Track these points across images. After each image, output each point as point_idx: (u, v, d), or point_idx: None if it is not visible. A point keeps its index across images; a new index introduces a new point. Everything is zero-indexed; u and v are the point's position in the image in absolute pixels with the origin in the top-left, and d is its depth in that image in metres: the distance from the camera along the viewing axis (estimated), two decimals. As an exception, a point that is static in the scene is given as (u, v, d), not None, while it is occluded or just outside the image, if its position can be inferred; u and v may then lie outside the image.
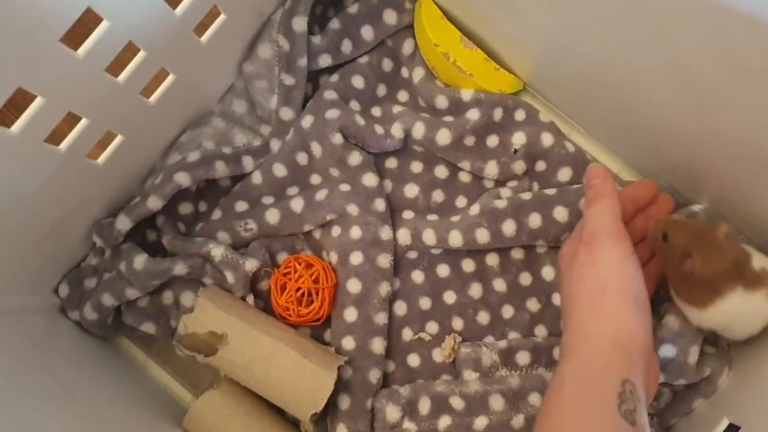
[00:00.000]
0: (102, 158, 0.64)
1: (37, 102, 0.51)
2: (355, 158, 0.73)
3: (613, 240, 0.55)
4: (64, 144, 0.58)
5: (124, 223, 0.69)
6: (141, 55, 0.58)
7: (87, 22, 0.50)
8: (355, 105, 0.77)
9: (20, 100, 0.51)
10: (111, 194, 0.70)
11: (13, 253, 0.62)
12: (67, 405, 0.57)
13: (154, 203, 0.68)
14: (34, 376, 0.58)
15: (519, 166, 0.74)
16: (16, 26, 0.45)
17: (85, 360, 0.69)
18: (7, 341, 0.60)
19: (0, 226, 0.58)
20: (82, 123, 0.58)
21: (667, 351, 0.63)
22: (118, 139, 0.64)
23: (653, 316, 0.59)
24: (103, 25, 0.52)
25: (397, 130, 0.74)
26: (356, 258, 0.71)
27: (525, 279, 0.74)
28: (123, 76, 0.58)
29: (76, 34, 0.50)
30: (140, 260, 0.68)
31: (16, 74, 0.47)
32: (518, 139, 0.74)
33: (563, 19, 0.62)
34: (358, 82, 0.76)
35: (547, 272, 0.74)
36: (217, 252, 0.69)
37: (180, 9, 0.59)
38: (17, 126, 0.51)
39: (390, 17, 0.77)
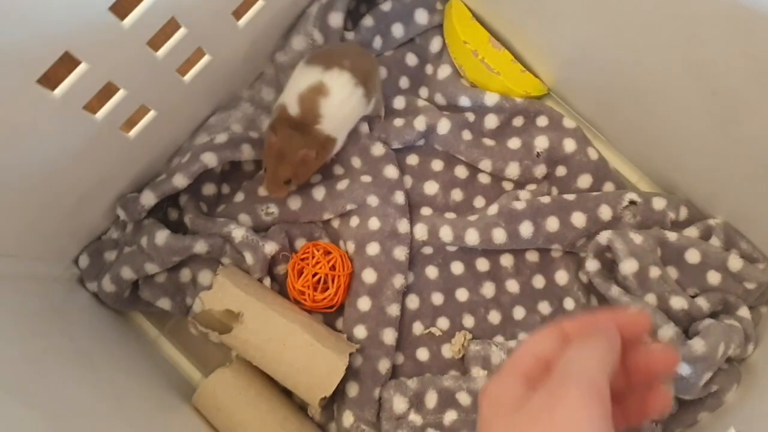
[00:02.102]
0: (133, 132, 0.66)
1: (81, 68, 0.53)
2: (378, 149, 0.75)
3: (587, 398, 0.36)
4: (101, 113, 0.59)
5: (148, 199, 0.70)
6: (181, 32, 0.60)
7: (135, -7, 0.52)
8: None
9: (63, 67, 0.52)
10: (137, 169, 0.71)
11: (40, 220, 0.64)
12: (86, 369, 0.59)
13: (180, 181, 0.70)
14: (54, 338, 0.59)
15: (540, 170, 0.75)
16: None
17: (101, 330, 0.70)
18: (30, 303, 0.62)
19: (33, 191, 0.60)
20: (120, 94, 0.59)
21: (683, 369, 0.63)
22: (150, 115, 0.66)
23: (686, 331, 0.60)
24: (150, -1, 0.53)
25: (420, 123, 0.75)
26: (373, 249, 0.72)
27: (538, 282, 0.75)
28: (162, 51, 0.60)
29: (123, 5, 0.51)
30: (162, 236, 0.69)
31: (64, 38, 0.49)
32: (541, 142, 0.75)
33: (592, 26, 0.63)
34: (381, 73, 0.78)
35: (561, 276, 0.74)
36: (238, 233, 0.70)
37: (223, -10, 0.61)
38: (60, 89, 0.53)
39: (421, 17, 0.78)
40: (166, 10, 0.56)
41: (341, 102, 0.68)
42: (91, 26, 0.50)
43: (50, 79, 0.51)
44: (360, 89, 0.69)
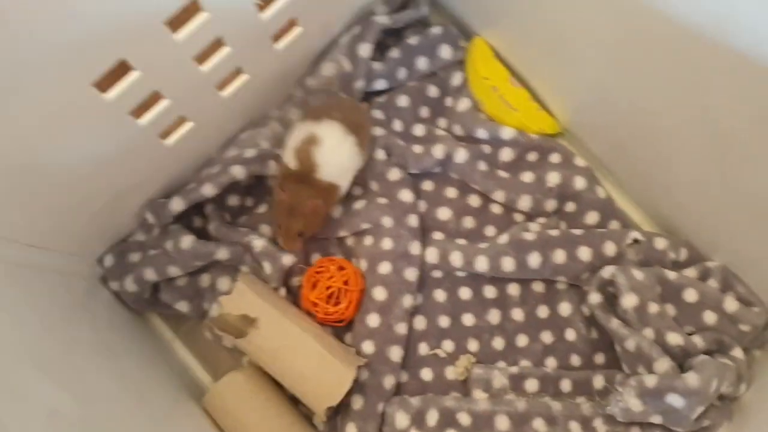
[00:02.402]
0: (170, 140, 0.69)
1: (133, 75, 0.57)
2: (394, 174, 0.78)
3: None
4: (143, 120, 0.63)
5: (177, 205, 0.73)
6: (225, 50, 0.64)
7: (190, 11, 0.56)
8: (397, 124, 0.82)
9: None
10: (168, 176, 0.75)
11: (72, 216, 0.67)
12: (110, 360, 0.61)
13: (209, 190, 0.73)
14: (82, 329, 0.62)
15: (551, 205, 0.79)
16: (130, 3, 0.50)
17: (120, 328, 0.73)
18: (58, 295, 0.65)
19: (70, 187, 0.63)
20: (163, 103, 0.63)
21: (675, 401, 0.65)
22: (187, 125, 0.70)
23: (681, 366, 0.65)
24: (202, 16, 0.57)
25: (438, 151, 0.79)
26: (385, 268, 0.75)
27: (542, 312, 0.78)
28: (206, 66, 0.64)
29: (178, 20, 0.55)
30: (187, 240, 0.73)
31: (122, 46, 0.53)
32: (553, 178, 0.79)
33: (608, 71, 0.67)
34: (402, 101, 0.82)
35: (564, 308, 0.77)
36: (259, 243, 0.73)
37: (267, 14, 0.65)
38: (111, 93, 0.56)
39: (445, 52, 0.82)
40: (214, 30, 0.60)
41: (333, 149, 0.71)
42: (147, 37, 0.54)
43: (99, 83, 0.55)
44: (351, 137, 0.72)
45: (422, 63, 0.82)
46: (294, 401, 0.74)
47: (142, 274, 0.74)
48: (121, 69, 0.55)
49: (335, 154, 0.71)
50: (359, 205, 0.78)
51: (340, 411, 0.73)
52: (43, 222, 0.64)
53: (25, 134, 0.53)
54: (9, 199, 0.57)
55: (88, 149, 0.61)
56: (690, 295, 0.72)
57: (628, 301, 0.70)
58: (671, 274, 0.72)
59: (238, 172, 0.74)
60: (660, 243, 0.75)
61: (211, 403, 0.71)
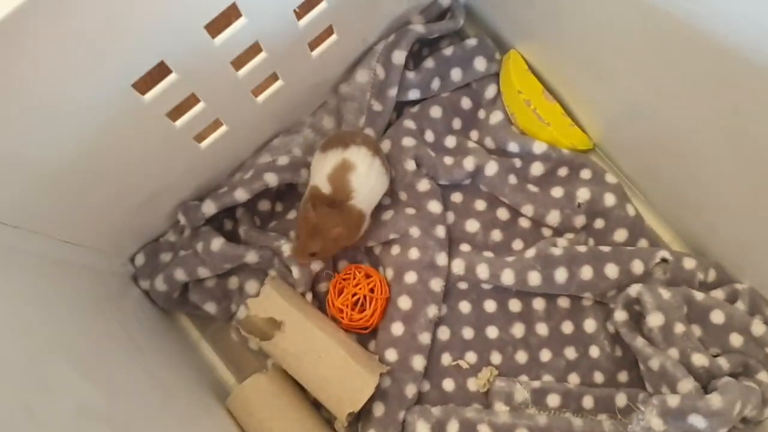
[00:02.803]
0: (204, 143, 0.70)
1: (171, 77, 0.58)
2: (423, 185, 0.79)
3: None
4: (180, 122, 0.64)
5: (209, 208, 0.75)
6: (261, 56, 0.65)
7: (229, 15, 0.57)
8: (429, 135, 0.82)
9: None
10: (201, 179, 0.76)
11: (106, 214, 0.69)
12: (137, 358, 0.63)
13: (241, 195, 0.75)
14: (111, 325, 0.64)
15: (579, 221, 0.79)
16: (171, 5, 0.51)
17: (149, 326, 0.74)
18: (90, 290, 0.66)
19: (106, 186, 0.64)
20: (199, 106, 0.64)
21: (698, 422, 0.64)
22: (222, 129, 0.71)
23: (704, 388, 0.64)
24: (241, 21, 0.58)
25: (469, 163, 0.79)
26: (411, 277, 0.75)
27: (567, 327, 0.77)
28: (242, 71, 0.65)
29: (216, 24, 0.56)
30: (217, 243, 0.74)
31: (162, 48, 0.54)
32: (583, 194, 0.79)
33: (643, 88, 0.67)
34: (435, 112, 0.82)
35: (589, 325, 0.77)
36: (287, 248, 0.74)
37: (303, 21, 0.66)
38: (150, 95, 0.58)
39: (480, 64, 0.83)
40: (252, 35, 0.61)
41: (367, 173, 0.72)
42: (187, 41, 0.55)
43: (138, 85, 0.56)
44: (377, 159, 0.73)
45: (456, 74, 0.82)
46: (316, 405, 0.75)
47: (172, 273, 0.75)
48: (160, 72, 0.57)
49: (369, 178, 0.72)
50: (387, 215, 0.78)
51: (361, 417, 0.73)
52: (79, 220, 0.66)
53: (65, 134, 0.55)
54: (47, 196, 0.59)
55: (126, 149, 0.62)
56: (717, 317, 0.71)
57: (654, 320, 0.70)
58: (699, 295, 0.72)
59: (271, 179, 0.75)
60: (688, 263, 0.75)
61: (234, 404, 0.72)
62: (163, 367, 0.67)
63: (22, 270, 0.56)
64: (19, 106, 0.49)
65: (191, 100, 0.63)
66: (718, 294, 0.74)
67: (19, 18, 0.42)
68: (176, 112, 0.62)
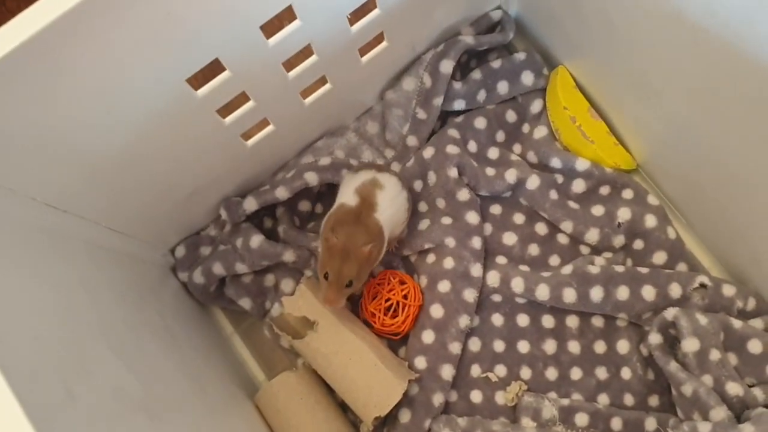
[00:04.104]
0: (251, 141, 0.72)
1: (224, 75, 0.59)
2: (463, 195, 0.79)
3: None
4: (229, 119, 0.66)
5: (251, 204, 0.76)
6: (312, 59, 0.66)
7: (283, 18, 0.58)
8: (472, 146, 0.83)
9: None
10: (245, 176, 0.77)
11: (152, 206, 0.70)
12: (173, 347, 0.64)
13: (282, 193, 0.76)
14: (149, 313, 0.65)
15: (618, 240, 0.78)
16: (229, 4, 0.52)
17: (185, 317, 0.75)
18: (131, 279, 0.67)
19: (154, 178, 0.66)
20: (248, 104, 0.66)
21: None
22: (269, 128, 0.72)
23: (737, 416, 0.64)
24: (295, 24, 0.60)
25: (511, 176, 0.79)
26: (444, 286, 0.76)
27: (599, 347, 0.77)
28: (293, 73, 0.66)
29: (271, 25, 0.58)
30: (257, 240, 0.75)
31: (218, 46, 0.55)
32: (624, 214, 0.78)
33: (691, 109, 0.66)
34: (480, 123, 0.83)
35: (622, 345, 0.76)
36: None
37: (355, 27, 0.66)
38: (202, 91, 0.59)
39: (527, 78, 0.83)
40: (305, 38, 0.62)
41: (393, 197, 0.72)
42: (242, 40, 0.57)
43: (192, 81, 0.57)
44: (404, 192, 0.74)
45: (503, 87, 0.83)
46: (343, 407, 0.75)
47: (211, 267, 0.76)
48: (212, 69, 0.58)
49: (393, 201, 0.72)
50: (423, 225, 0.79)
51: (387, 422, 0.74)
52: (126, 209, 0.67)
53: (120, 125, 0.56)
54: (97, 184, 0.61)
55: (176, 143, 0.63)
56: (754, 346, 0.70)
57: (690, 345, 0.69)
58: (737, 323, 0.71)
59: (311, 178, 0.76)
60: (728, 290, 0.74)
61: (262, 401, 0.73)
62: (196, 359, 0.68)
63: (70, 254, 0.58)
64: (81, 93, 0.50)
65: (241, 99, 0.64)
66: (757, 323, 0.73)
67: (86, 7, 0.43)
68: (226, 110, 0.64)
